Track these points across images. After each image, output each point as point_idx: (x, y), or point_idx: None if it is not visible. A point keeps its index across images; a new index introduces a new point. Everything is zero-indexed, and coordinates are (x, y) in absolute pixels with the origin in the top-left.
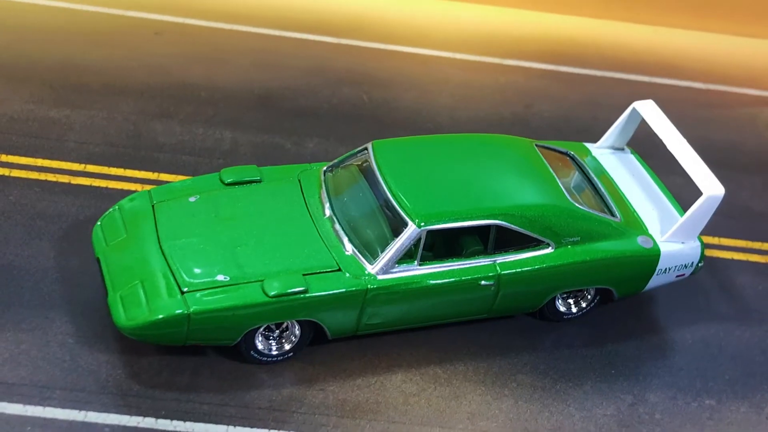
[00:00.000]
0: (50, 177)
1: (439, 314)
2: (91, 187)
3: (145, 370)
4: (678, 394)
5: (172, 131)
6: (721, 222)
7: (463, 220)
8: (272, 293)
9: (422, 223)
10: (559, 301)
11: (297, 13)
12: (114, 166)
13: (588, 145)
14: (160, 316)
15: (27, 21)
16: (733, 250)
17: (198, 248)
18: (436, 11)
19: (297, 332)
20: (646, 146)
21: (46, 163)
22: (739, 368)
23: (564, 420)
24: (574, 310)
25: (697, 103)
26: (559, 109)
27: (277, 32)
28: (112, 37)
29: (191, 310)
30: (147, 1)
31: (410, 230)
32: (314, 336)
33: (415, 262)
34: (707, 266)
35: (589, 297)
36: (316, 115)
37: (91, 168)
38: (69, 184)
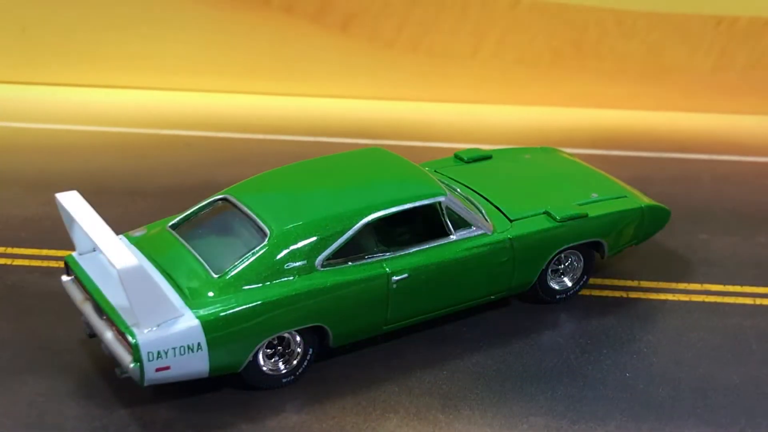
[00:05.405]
0: (53, 264)
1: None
2: None
3: (114, 423)
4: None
5: None
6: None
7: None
8: None
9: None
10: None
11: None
12: None
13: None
14: None
15: (62, 142)
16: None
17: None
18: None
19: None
20: None
21: (51, 252)
22: None
23: None
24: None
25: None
26: None
27: (295, 138)
28: (141, 150)
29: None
30: (179, 119)
31: None
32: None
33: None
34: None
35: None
36: None
37: None
38: None
